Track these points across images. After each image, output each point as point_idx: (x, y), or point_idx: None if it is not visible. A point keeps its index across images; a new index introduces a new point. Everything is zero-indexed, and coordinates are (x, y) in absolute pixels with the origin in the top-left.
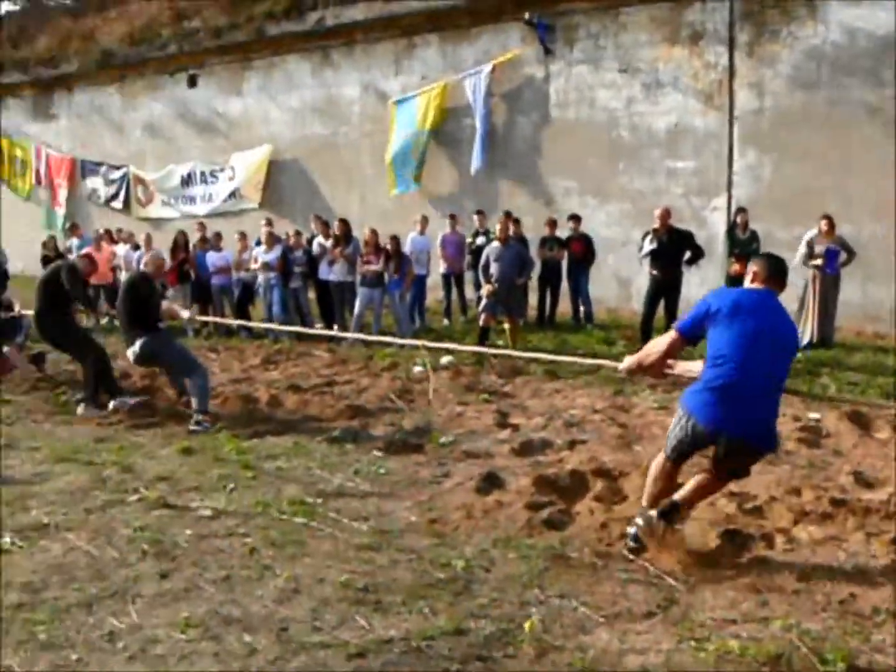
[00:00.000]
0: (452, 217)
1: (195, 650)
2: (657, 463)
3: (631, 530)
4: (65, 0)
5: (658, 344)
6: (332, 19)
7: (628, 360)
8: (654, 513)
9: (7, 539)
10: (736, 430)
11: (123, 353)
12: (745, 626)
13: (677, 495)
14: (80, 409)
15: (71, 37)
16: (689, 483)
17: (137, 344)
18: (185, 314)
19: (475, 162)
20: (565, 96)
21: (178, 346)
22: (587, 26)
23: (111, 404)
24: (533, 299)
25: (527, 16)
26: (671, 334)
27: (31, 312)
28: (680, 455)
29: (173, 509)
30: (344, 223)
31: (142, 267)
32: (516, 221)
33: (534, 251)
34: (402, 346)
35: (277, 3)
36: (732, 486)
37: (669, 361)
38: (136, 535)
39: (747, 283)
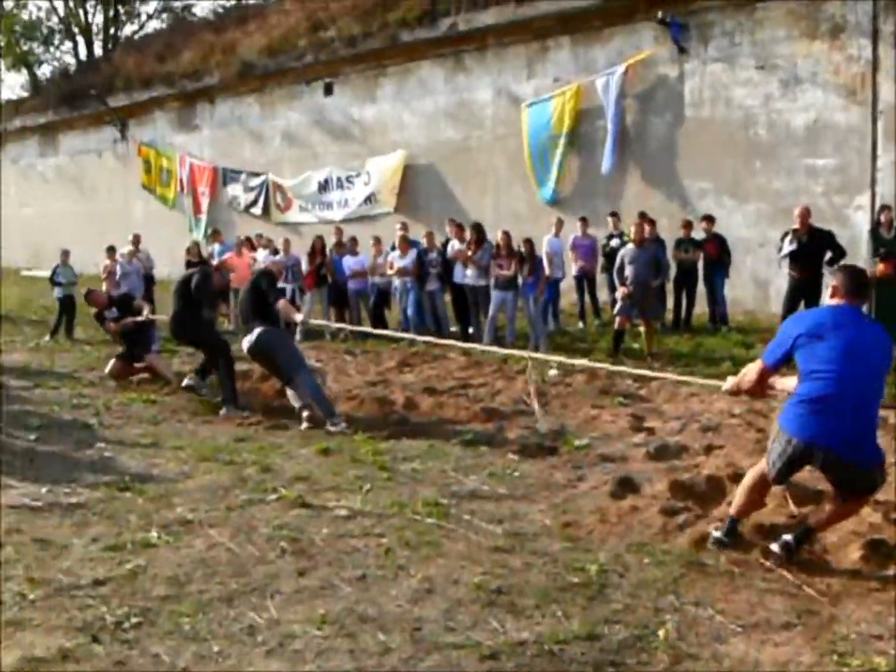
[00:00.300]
0: (583, 220)
1: (331, 647)
2: (755, 475)
3: (716, 534)
4: (207, 15)
5: (750, 372)
6: (465, 24)
7: (730, 382)
8: (789, 537)
9: (154, 534)
10: (828, 443)
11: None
12: (892, 641)
13: (813, 520)
14: (222, 411)
15: (213, 50)
16: (826, 509)
17: (255, 333)
18: (299, 316)
19: (606, 163)
20: (700, 95)
21: (291, 344)
22: (722, 23)
23: (185, 381)
24: (669, 302)
25: (660, 15)
26: (758, 364)
27: (163, 317)
28: (779, 473)
29: (311, 509)
30: (477, 227)
31: (266, 264)
32: (652, 223)
33: (669, 253)
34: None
35: (410, 10)
36: (879, 495)
37: (770, 380)
38: (275, 534)
39: (828, 300)
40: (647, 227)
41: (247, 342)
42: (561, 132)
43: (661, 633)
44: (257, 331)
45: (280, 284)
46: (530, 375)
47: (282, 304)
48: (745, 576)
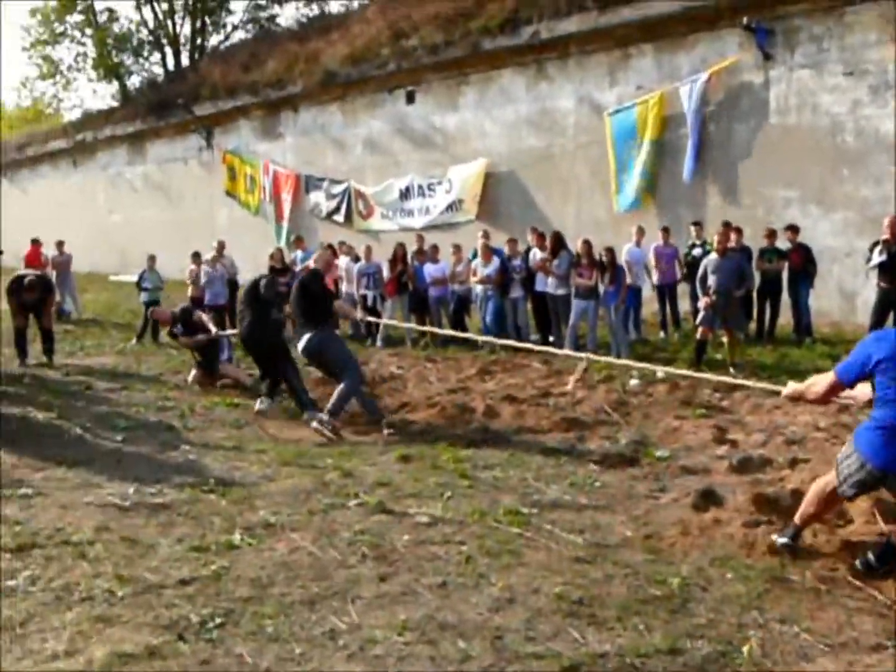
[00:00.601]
0: (665, 230)
1: (412, 653)
2: (824, 487)
3: (781, 540)
4: (291, 26)
5: (819, 384)
6: (547, 32)
7: (791, 387)
8: (871, 556)
9: (237, 536)
10: None
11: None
12: None
13: None
14: (305, 416)
15: (297, 59)
16: None
17: (305, 338)
18: (358, 314)
19: (687, 171)
20: (785, 102)
21: (342, 346)
22: (809, 29)
23: (256, 406)
24: (753, 312)
25: (745, 21)
26: (830, 377)
27: (230, 332)
28: (851, 492)
29: (392, 514)
30: (556, 236)
31: (312, 264)
32: (738, 231)
33: (753, 262)
34: (571, 357)
35: (492, 18)
36: None
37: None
38: (356, 538)
39: None
40: (733, 236)
41: (300, 346)
42: (644, 140)
43: (745, 649)
44: (306, 336)
45: (362, 291)
46: (579, 373)
47: (338, 303)
48: (833, 593)
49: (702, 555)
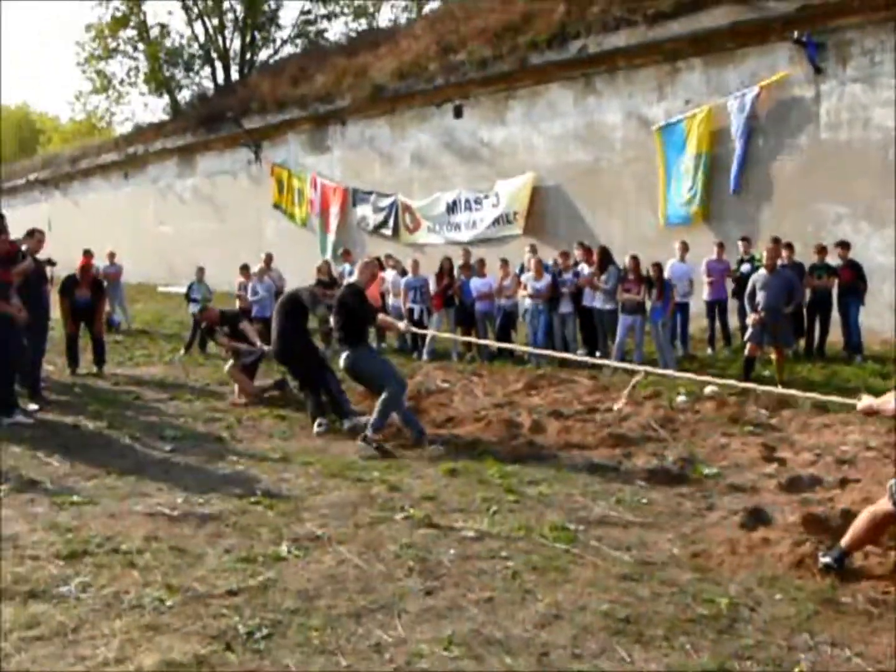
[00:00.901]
0: (720, 245)
1: (458, 668)
2: (875, 513)
3: (824, 560)
4: (340, 40)
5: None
6: (595, 47)
7: (867, 401)
8: None
9: (284, 548)
10: None
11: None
12: None
13: None
14: (346, 425)
15: (345, 73)
16: None
17: (343, 356)
18: (402, 325)
19: (733, 184)
20: (837, 117)
21: (380, 360)
22: (861, 42)
23: (315, 429)
24: (802, 329)
25: (795, 34)
26: None
27: (268, 348)
28: None
29: (438, 529)
30: (603, 251)
31: (353, 278)
32: (789, 247)
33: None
34: (619, 370)
35: (540, 32)
36: None
37: None
38: (402, 552)
39: None
40: (784, 253)
41: (342, 361)
42: (692, 154)
43: (795, 671)
44: (344, 355)
45: (409, 304)
46: (626, 395)
47: (381, 317)
48: (885, 617)
49: (750, 574)
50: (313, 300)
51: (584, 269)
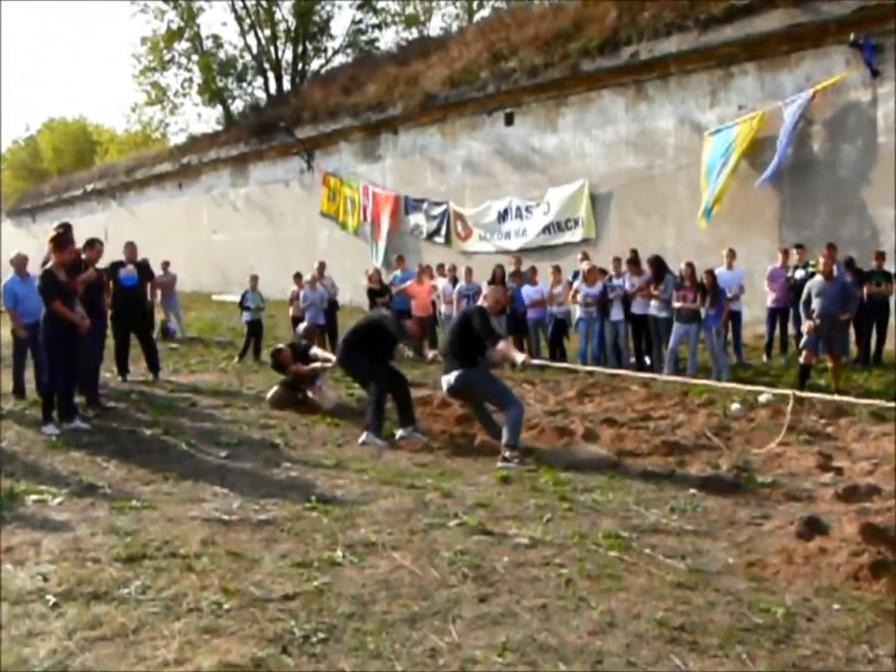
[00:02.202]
0: (785, 252)
1: None
2: None
3: None
4: (391, 49)
5: None
6: (647, 53)
7: None
8: None
9: (339, 553)
10: None
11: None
12: None
13: None
14: (362, 437)
15: (396, 82)
16: None
17: (453, 375)
18: (520, 357)
19: (764, 178)
20: (894, 120)
21: (494, 380)
22: None
23: (400, 433)
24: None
25: (852, 37)
26: None
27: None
28: None
29: (492, 536)
30: (657, 261)
31: (480, 300)
32: (850, 262)
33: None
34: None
35: (591, 39)
36: None
37: None
38: (456, 559)
39: None
40: (842, 260)
41: (445, 382)
42: (734, 157)
43: None
44: (455, 374)
45: None
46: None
47: (502, 345)
48: None
49: (807, 584)
50: (400, 329)
51: (629, 279)
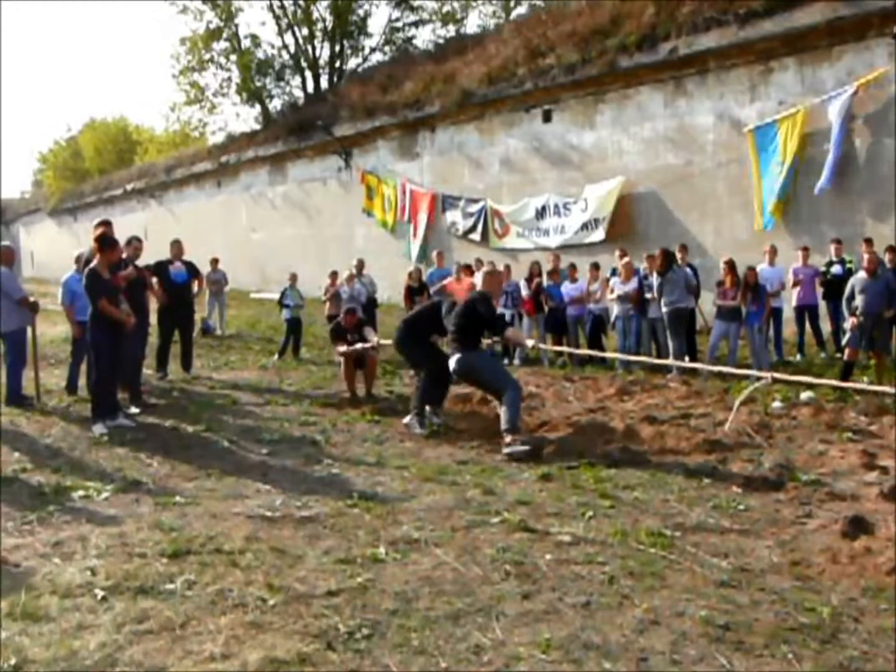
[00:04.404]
0: (805, 249)
1: (556, 671)
2: None
3: None
4: (428, 47)
5: None
6: (685, 48)
7: None
8: None
9: (382, 550)
10: None
11: None
12: None
13: None
14: (405, 419)
15: (434, 80)
16: None
17: (454, 358)
18: (530, 342)
19: (822, 183)
20: None
21: (493, 364)
22: None
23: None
24: None
25: (895, 30)
26: None
27: (387, 341)
28: None
29: (534, 533)
30: (664, 254)
31: (480, 287)
32: (893, 250)
33: None
34: (748, 377)
35: (629, 35)
36: None
37: None
38: (499, 556)
39: None
40: (888, 256)
41: (453, 363)
42: (786, 158)
43: None
44: (455, 357)
45: (500, 310)
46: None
47: (510, 331)
48: None
49: (852, 584)
50: (447, 313)
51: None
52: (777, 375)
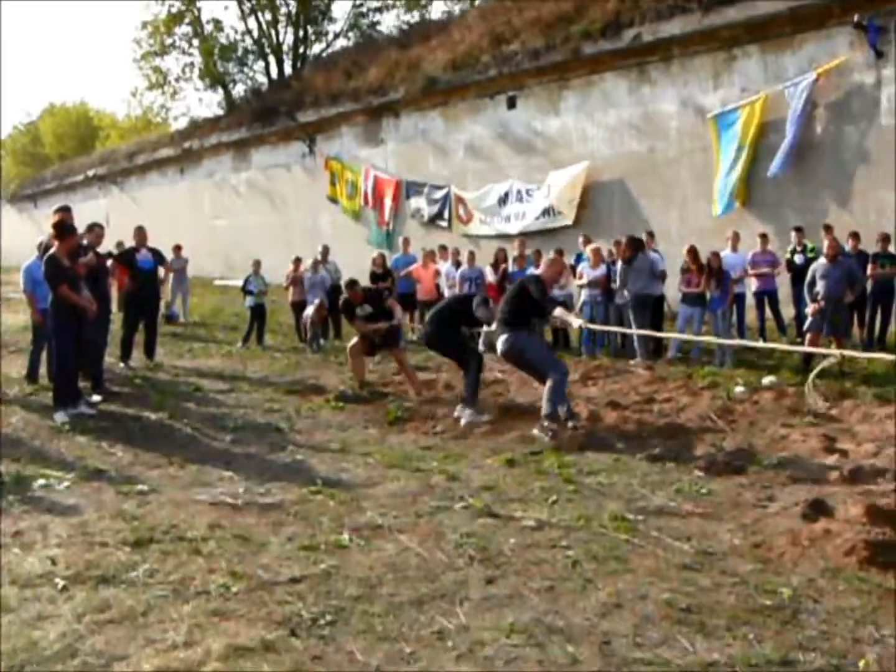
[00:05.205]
0: (763, 236)
1: (520, 655)
2: None
3: None
4: (392, 33)
5: None
6: (649, 35)
7: None
8: None
9: (346, 536)
10: None
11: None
12: None
13: None
14: (457, 411)
15: (398, 66)
16: None
17: (503, 338)
18: (576, 322)
19: (776, 165)
20: None
21: (541, 346)
22: None
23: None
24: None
25: (856, 18)
26: None
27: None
28: None
29: (498, 518)
30: (632, 240)
31: (538, 271)
32: (855, 236)
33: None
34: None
35: (594, 22)
36: None
37: None
38: (463, 541)
39: None
40: (850, 242)
41: (500, 344)
42: (745, 143)
43: (861, 663)
44: (504, 337)
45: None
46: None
47: (558, 311)
48: None
49: (812, 566)
50: (480, 304)
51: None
52: (846, 353)
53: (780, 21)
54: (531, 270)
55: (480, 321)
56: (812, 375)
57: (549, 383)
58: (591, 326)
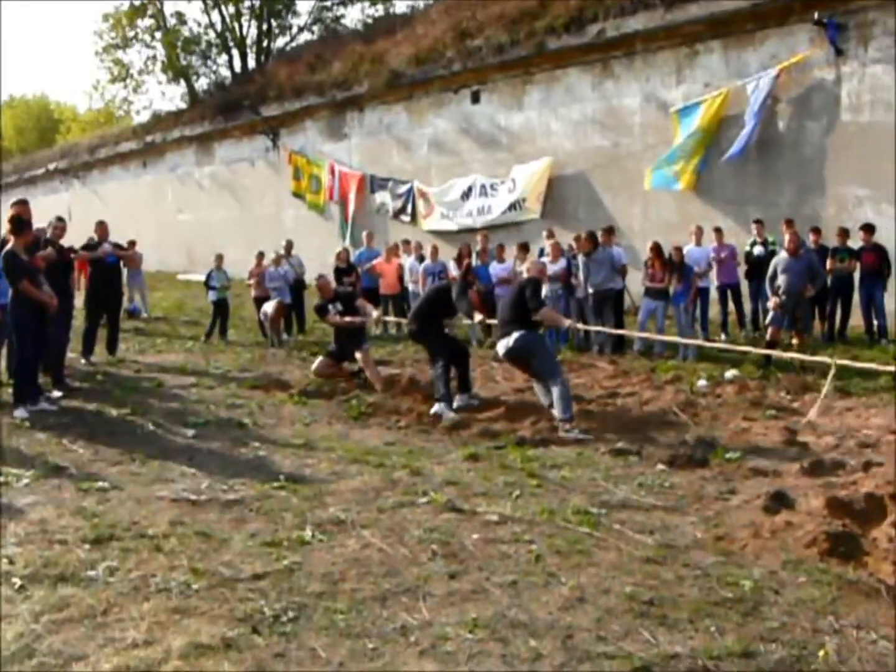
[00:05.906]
0: (718, 230)
1: (483, 650)
2: None
3: None
4: (356, 26)
5: None
6: (613, 30)
7: None
8: None
9: (308, 532)
10: None
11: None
12: None
13: None
14: (434, 408)
15: (362, 60)
16: None
17: (512, 337)
18: (566, 322)
19: (732, 151)
20: (858, 99)
21: (548, 350)
22: (883, 22)
23: (458, 400)
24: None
25: (816, 16)
26: None
27: (392, 318)
28: None
29: (461, 513)
30: (590, 236)
31: (530, 273)
32: (817, 231)
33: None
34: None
35: (557, 17)
36: None
37: None
38: (426, 536)
39: None
40: (812, 236)
41: (503, 346)
42: (701, 130)
43: (820, 654)
44: (514, 335)
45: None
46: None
47: (546, 311)
48: None
49: (774, 558)
50: (459, 297)
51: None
52: (840, 362)
53: (741, 17)
54: (494, 265)
55: (460, 312)
56: (824, 391)
57: (556, 391)
58: (581, 327)
